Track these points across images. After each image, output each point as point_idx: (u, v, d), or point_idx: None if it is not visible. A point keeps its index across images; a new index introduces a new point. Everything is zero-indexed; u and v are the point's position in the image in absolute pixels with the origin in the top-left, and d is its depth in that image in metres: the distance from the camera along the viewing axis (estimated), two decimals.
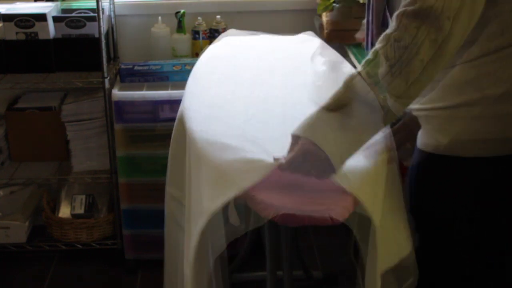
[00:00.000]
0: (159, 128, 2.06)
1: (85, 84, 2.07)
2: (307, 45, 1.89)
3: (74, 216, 2.20)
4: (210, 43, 2.01)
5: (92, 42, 2.02)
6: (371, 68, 1.08)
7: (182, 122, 1.42)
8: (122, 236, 2.19)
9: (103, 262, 2.25)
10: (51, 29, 2.04)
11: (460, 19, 1.02)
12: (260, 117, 1.34)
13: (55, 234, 2.21)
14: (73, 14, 2.09)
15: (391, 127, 1.36)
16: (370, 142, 1.14)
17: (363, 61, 1.11)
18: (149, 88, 2.08)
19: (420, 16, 1.02)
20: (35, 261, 2.27)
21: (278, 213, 1.07)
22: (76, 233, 2.20)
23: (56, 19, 2.05)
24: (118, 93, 2.04)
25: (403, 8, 1.05)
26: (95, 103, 2.16)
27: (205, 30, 2.21)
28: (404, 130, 1.38)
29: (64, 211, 2.23)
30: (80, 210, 2.20)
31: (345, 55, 1.91)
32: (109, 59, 2.18)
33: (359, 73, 1.10)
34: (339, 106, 1.11)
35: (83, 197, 2.24)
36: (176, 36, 2.22)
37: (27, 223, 2.23)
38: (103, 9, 1.99)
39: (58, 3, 2.18)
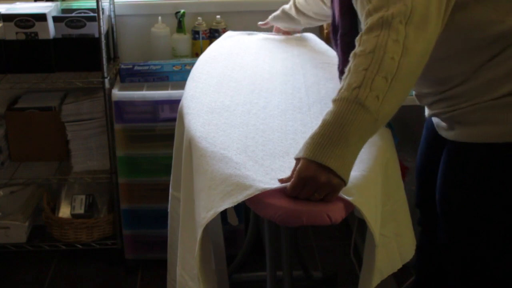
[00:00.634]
0: (159, 128, 2.06)
1: (85, 84, 2.07)
2: (307, 46, 1.89)
3: (74, 216, 2.20)
4: (210, 43, 2.01)
5: (92, 42, 2.02)
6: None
7: (182, 125, 1.42)
8: (122, 236, 2.20)
9: (103, 262, 2.25)
10: (51, 29, 2.04)
11: (413, 21, 1.06)
12: (260, 129, 1.31)
13: (55, 234, 2.22)
14: (73, 14, 2.09)
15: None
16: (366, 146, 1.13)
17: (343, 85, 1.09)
18: (149, 88, 2.08)
19: (375, 27, 1.07)
20: (35, 261, 2.27)
21: (277, 213, 1.07)
22: (76, 233, 2.20)
23: (56, 19, 2.05)
24: (118, 93, 2.04)
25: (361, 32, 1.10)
26: (95, 103, 2.16)
27: (205, 30, 2.21)
28: None
29: (64, 211, 2.23)
30: (80, 210, 2.21)
31: None
32: (109, 59, 2.18)
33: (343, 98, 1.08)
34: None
35: (83, 197, 2.24)
36: (176, 36, 2.22)
37: (27, 223, 2.23)
38: (103, 9, 1.99)
39: (58, 3, 2.18)
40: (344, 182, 1.06)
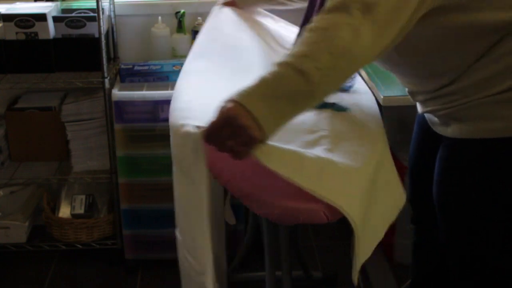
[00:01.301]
0: (159, 128, 2.06)
1: (85, 84, 2.07)
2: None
3: (74, 216, 2.20)
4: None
5: (92, 42, 2.02)
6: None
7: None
8: (122, 236, 2.20)
9: (103, 262, 2.25)
10: (51, 29, 2.04)
11: (373, 15, 1.06)
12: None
13: (55, 234, 2.22)
14: (73, 14, 2.09)
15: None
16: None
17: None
18: (149, 88, 2.08)
19: (334, 9, 1.08)
20: (35, 261, 2.27)
21: (274, 211, 1.07)
22: (76, 233, 2.20)
23: (56, 19, 2.05)
24: (118, 93, 2.04)
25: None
26: (95, 103, 2.16)
27: None
28: None
29: (64, 211, 2.23)
30: (80, 210, 2.21)
31: None
32: (109, 59, 2.18)
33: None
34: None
35: (83, 197, 2.24)
36: (176, 36, 2.22)
37: (27, 223, 2.23)
38: (103, 9, 1.99)
39: (58, 3, 2.18)
40: (265, 137, 1.05)
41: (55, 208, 2.26)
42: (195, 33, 2.22)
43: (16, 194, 2.33)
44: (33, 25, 2.01)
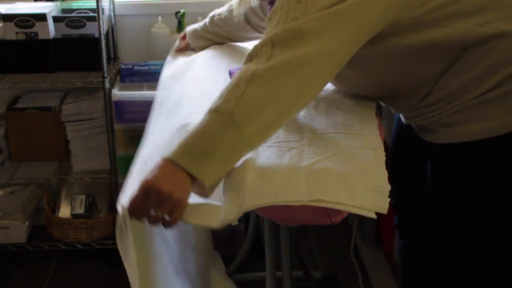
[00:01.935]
0: None
1: (85, 84, 2.07)
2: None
3: (74, 216, 2.20)
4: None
5: (92, 42, 2.02)
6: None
7: None
8: None
9: (103, 262, 2.25)
10: (51, 29, 2.04)
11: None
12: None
13: (55, 234, 2.22)
14: (73, 14, 2.09)
15: None
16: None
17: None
18: (149, 88, 2.08)
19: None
20: (35, 261, 2.27)
21: (278, 212, 1.07)
22: (76, 233, 2.20)
23: (56, 19, 2.05)
24: (118, 93, 2.04)
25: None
26: (95, 103, 2.16)
27: None
28: None
29: (64, 211, 2.23)
30: (80, 210, 2.21)
31: None
32: (109, 59, 2.18)
33: None
34: None
35: (83, 197, 2.24)
36: (176, 36, 2.22)
37: (27, 223, 2.23)
38: (103, 9, 1.99)
39: (58, 3, 2.18)
40: (203, 187, 1.03)
41: (55, 208, 2.25)
42: None
43: (16, 194, 2.32)
44: (33, 25, 2.00)
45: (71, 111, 2.16)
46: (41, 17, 2.00)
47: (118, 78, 2.14)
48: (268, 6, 1.46)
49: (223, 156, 1.04)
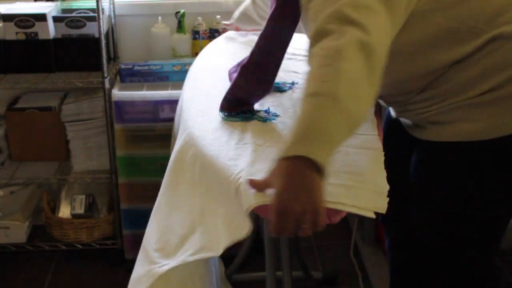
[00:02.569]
0: (159, 128, 2.06)
1: (85, 84, 2.07)
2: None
3: (74, 216, 2.20)
4: (210, 43, 2.00)
5: (92, 42, 2.02)
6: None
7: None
8: (122, 236, 2.19)
9: (103, 262, 2.25)
10: (51, 29, 2.04)
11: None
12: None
13: (55, 234, 2.22)
14: (73, 14, 2.09)
15: None
16: None
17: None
18: (149, 88, 2.08)
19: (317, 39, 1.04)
20: (35, 261, 2.27)
21: None
22: (76, 233, 2.20)
23: (56, 19, 2.05)
24: (118, 93, 2.04)
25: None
26: (95, 103, 2.16)
27: (205, 30, 2.21)
28: None
29: (64, 211, 2.23)
30: (80, 210, 2.21)
31: None
32: (109, 59, 2.18)
33: None
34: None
35: (83, 197, 2.24)
36: (176, 36, 2.22)
37: (27, 223, 2.23)
38: (103, 9, 1.99)
39: (58, 3, 2.18)
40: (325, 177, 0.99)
41: (55, 208, 2.26)
42: (195, 33, 2.22)
43: (16, 194, 2.32)
44: (33, 25, 2.01)
45: (71, 111, 2.16)
46: (41, 17, 2.00)
47: (118, 78, 2.14)
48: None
49: (335, 137, 0.99)
